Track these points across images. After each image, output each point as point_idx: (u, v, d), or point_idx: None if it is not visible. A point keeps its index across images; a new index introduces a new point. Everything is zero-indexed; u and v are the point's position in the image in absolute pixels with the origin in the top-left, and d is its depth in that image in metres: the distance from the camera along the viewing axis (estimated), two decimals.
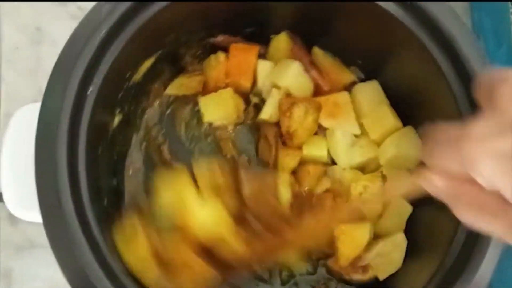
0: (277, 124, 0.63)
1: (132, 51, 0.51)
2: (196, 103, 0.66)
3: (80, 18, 0.49)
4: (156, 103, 0.66)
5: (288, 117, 0.61)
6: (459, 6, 0.76)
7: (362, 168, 0.63)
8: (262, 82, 0.64)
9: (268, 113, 0.63)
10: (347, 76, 0.65)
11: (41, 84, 0.67)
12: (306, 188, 0.62)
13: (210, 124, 0.66)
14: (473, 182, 0.35)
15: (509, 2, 0.65)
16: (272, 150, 0.63)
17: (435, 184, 0.39)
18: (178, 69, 0.66)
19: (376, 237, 0.61)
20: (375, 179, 0.60)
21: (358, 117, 0.63)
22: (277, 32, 0.64)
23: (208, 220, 0.50)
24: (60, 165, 0.46)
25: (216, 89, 0.64)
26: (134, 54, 0.54)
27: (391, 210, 0.61)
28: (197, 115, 0.66)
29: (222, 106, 0.64)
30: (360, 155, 0.62)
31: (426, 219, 0.59)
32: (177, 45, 0.61)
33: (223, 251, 0.51)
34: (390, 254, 0.59)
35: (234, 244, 0.50)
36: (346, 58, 0.65)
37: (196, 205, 0.51)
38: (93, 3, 0.50)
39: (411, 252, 0.59)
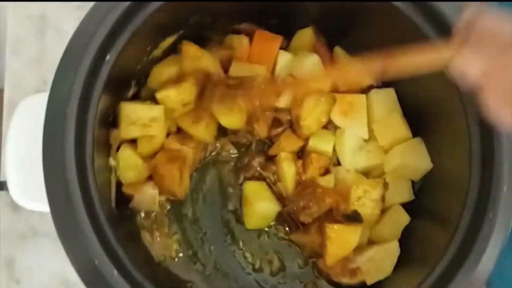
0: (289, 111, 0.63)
1: (153, 27, 0.52)
2: None
3: (86, 8, 0.49)
4: None
5: (299, 105, 0.61)
6: None
7: (366, 173, 0.63)
8: (279, 71, 0.64)
9: (282, 102, 0.63)
10: (365, 79, 0.65)
11: (46, 73, 0.69)
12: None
13: None
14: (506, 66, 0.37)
15: None
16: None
17: (472, 64, 0.40)
18: None
19: (370, 242, 0.62)
20: (377, 185, 0.60)
21: (370, 121, 0.63)
22: (300, 27, 0.65)
23: None
24: (68, 155, 0.46)
25: None
26: (156, 30, 0.55)
27: (389, 218, 0.61)
28: None
29: None
30: (366, 160, 0.63)
31: (421, 231, 0.60)
32: (201, 27, 0.62)
33: None
34: (382, 260, 0.60)
35: None
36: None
37: None
38: None
39: (403, 261, 0.60)
